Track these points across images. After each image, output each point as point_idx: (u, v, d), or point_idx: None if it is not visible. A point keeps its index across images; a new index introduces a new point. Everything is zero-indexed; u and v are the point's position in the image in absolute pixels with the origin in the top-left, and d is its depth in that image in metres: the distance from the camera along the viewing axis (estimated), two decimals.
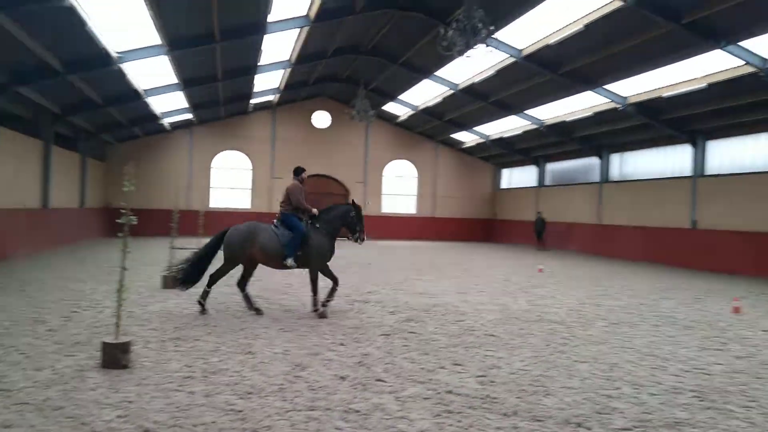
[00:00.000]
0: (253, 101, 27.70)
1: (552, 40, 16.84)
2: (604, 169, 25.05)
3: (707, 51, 14.71)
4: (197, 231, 17.36)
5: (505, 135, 28.08)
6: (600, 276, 16.03)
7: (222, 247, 8.90)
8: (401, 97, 27.66)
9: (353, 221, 9.18)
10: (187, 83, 20.27)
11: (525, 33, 17.59)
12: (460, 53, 15.28)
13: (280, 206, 9.25)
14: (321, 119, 31.83)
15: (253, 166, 30.78)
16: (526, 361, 6.53)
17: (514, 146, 29.54)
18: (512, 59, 18.80)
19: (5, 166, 15.89)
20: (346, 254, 20.80)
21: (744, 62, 14.61)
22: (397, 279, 13.76)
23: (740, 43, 14.19)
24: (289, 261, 8.68)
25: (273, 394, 5.12)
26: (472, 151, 33.24)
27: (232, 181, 30.60)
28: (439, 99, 25.44)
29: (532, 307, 10.25)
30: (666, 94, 17.91)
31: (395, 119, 31.70)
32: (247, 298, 8.88)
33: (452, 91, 23.79)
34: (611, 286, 13.62)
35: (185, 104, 23.84)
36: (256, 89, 25.13)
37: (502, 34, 17.81)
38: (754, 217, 17.39)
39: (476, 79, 21.88)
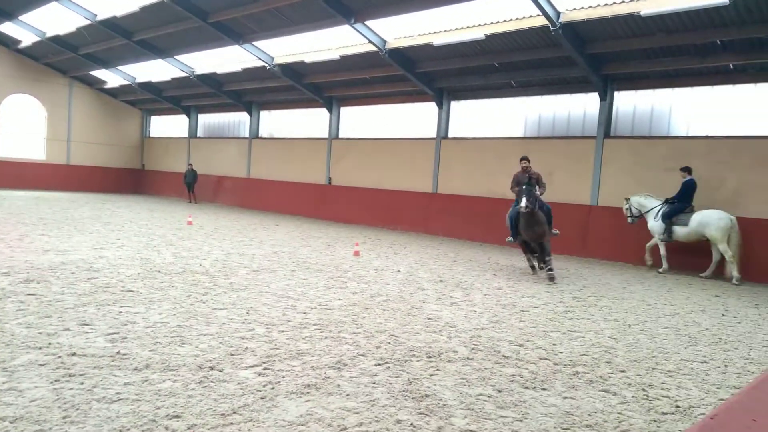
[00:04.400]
0: None
1: None
2: (254, 124, 25.96)
3: (340, 25, 16.45)
4: None
5: (154, 80, 26.31)
6: (247, 228, 16.76)
7: None
8: (23, 18, 23.06)
9: None
10: None
11: None
12: None
13: None
14: None
15: None
16: (165, 313, 6.42)
17: (164, 93, 27.98)
18: None
19: None
20: None
21: (367, 41, 16.89)
22: (15, 235, 11.71)
23: (366, 23, 16.32)
24: None
25: None
26: (116, 93, 30.19)
27: None
28: (72, 28, 22.10)
29: (176, 260, 10.08)
30: (308, 59, 19.45)
31: (15, 44, 26.32)
32: None
33: (89, 22, 20.97)
34: (256, 237, 14.40)
35: None
36: None
37: None
38: (373, 176, 20.61)
39: (118, 13, 19.77)
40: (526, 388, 4.81)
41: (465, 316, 7.25)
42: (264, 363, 5.00)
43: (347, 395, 4.40)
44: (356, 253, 12.14)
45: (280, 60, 20.44)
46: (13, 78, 27.39)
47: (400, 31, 16.60)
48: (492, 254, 14.37)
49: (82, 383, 4.26)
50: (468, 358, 5.51)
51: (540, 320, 7.28)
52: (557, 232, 10.99)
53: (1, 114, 27.28)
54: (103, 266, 8.94)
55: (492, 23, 14.70)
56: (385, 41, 16.98)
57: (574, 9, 13.08)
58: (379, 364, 5.16)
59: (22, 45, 26.12)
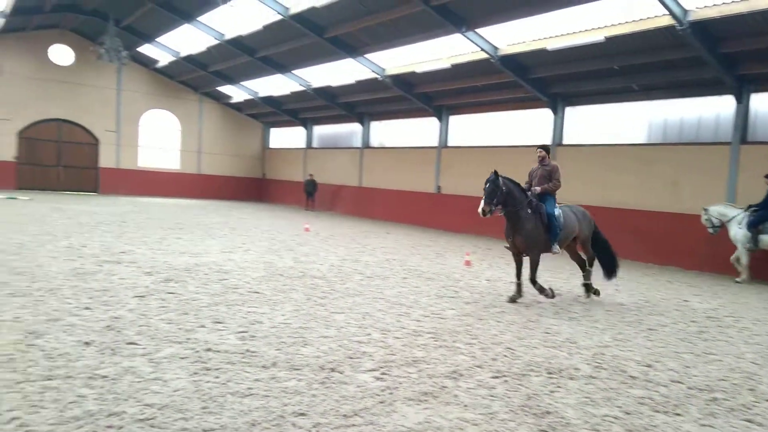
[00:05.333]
0: None
1: (319, 3, 17.11)
2: (366, 135, 26.64)
3: (452, 34, 16.47)
4: None
5: (274, 94, 27.89)
6: (360, 235, 17.21)
7: None
8: (160, 40, 25.43)
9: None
10: None
11: None
12: (224, 1, 14.67)
13: None
14: (61, 55, 27.59)
15: None
16: (288, 315, 6.76)
17: (283, 106, 29.55)
18: (280, 17, 18.64)
19: None
20: (96, 211, 18.73)
21: (479, 48, 16.74)
22: (156, 238, 12.89)
23: (477, 31, 16.22)
24: None
25: (0, 365, 4.45)
26: (240, 107, 32.32)
27: None
28: (203, 48, 24.02)
29: (296, 264, 10.57)
30: (418, 69, 19.66)
31: (153, 64, 29.07)
32: None
33: (218, 41, 22.67)
34: (368, 244, 14.74)
35: None
36: None
37: None
38: (479, 185, 20.31)
39: (243, 32, 21.19)
40: (657, 411, 4.50)
41: (586, 332, 6.93)
42: (381, 368, 5.10)
43: (465, 406, 4.37)
44: (467, 263, 12.04)
45: (391, 71, 20.84)
46: (151, 95, 30.25)
47: (512, 37, 16.32)
48: None
49: (217, 377, 4.59)
50: (591, 376, 5.26)
51: (670, 340, 6.79)
52: (558, 250, 8.50)
53: (141, 128, 30.19)
54: (232, 268, 9.58)
55: (612, 25, 14.03)
56: (497, 48, 16.76)
57: (705, 6, 12.13)
58: (496, 377, 5.07)
59: (159, 65, 28.80)
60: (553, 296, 8.45)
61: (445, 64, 18.48)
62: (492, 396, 4.60)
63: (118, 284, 7.75)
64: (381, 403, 4.31)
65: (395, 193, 24.28)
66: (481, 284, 9.92)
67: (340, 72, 22.75)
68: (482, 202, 8.10)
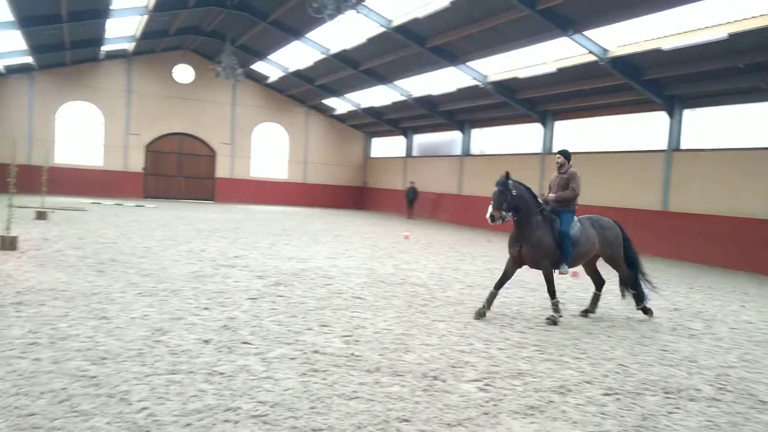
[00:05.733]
0: (104, 48, 25.28)
1: (421, 14, 17.28)
2: (466, 142, 26.46)
3: (557, 37, 15.99)
4: (40, 188, 15.80)
5: (376, 105, 28.48)
6: (459, 243, 17.10)
7: None
8: (271, 57, 26.85)
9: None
10: (24, 21, 17.92)
11: (395, 3, 17.89)
12: (331, 17, 15.20)
13: None
14: (183, 74, 29.95)
15: (105, 119, 28.26)
16: (390, 321, 6.85)
17: (384, 116, 30.09)
18: (382, 29, 19.05)
19: None
20: (212, 218, 20.06)
21: (587, 51, 16.10)
22: (266, 244, 13.57)
23: (585, 33, 15.61)
24: None
25: (131, 359, 4.89)
26: (343, 118, 33.32)
27: (81, 135, 27.87)
28: (310, 62, 25.05)
29: (397, 271, 10.70)
30: (521, 75, 19.24)
31: (264, 80, 30.74)
32: None
33: (324, 56, 23.55)
34: (468, 253, 14.60)
35: (23, 46, 21.13)
36: (108, 35, 22.95)
37: (373, 3, 17.98)
38: (592, 193, 19.41)
39: (348, 46, 21.86)
40: None
41: (708, 351, 6.41)
42: (485, 379, 5.02)
43: (574, 422, 4.19)
44: (574, 274, 11.54)
45: (493, 78, 20.58)
46: (262, 109, 32.00)
47: (623, 38, 15.54)
48: (737, 282, 12.49)
49: (324, 379, 4.74)
50: (714, 398, 4.86)
51: None
52: (567, 270, 7.50)
53: (253, 140, 31.99)
54: (336, 274, 9.87)
55: (736, 21, 12.95)
56: (606, 50, 16.03)
57: None
58: (607, 394, 4.82)
59: (270, 80, 30.42)
60: (556, 321, 7.31)
61: (551, 68, 17.96)
62: (603, 414, 4.38)
63: (233, 287, 8.24)
64: (485, 414, 4.24)
65: None
66: (590, 297, 9.46)
67: (440, 80, 22.81)
68: (490, 206, 7.44)
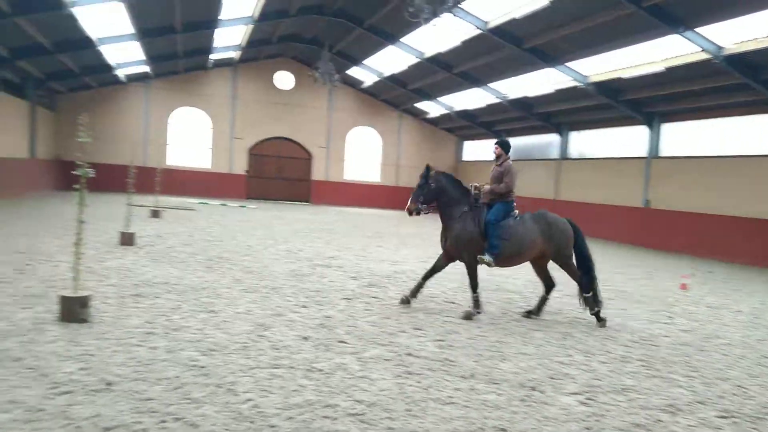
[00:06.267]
0: (213, 57, 26.89)
1: (518, 14, 16.90)
2: (563, 146, 25.57)
3: (666, 35, 15.06)
4: (154, 188, 17.05)
5: (470, 107, 28.21)
6: None
7: None
8: (366, 62, 27.35)
9: None
10: (143, 33, 19.46)
11: (492, 5, 17.61)
12: (427, 21, 15.23)
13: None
14: (283, 80, 31.22)
15: (213, 124, 30.05)
16: (484, 327, 6.74)
17: (477, 119, 29.73)
18: (478, 31, 18.83)
19: None
20: (309, 219, 20.74)
21: (700, 48, 15.04)
22: (359, 246, 13.83)
23: (697, 30, 14.59)
24: None
25: (236, 351, 5.15)
26: (436, 121, 33.30)
27: (191, 139, 29.83)
28: (404, 67, 25.25)
29: (490, 277, 10.50)
30: (626, 75, 18.30)
31: (359, 85, 31.36)
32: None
33: (418, 60, 23.66)
34: None
35: (141, 56, 22.94)
36: (216, 44, 24.39)
37: (469, 5, 17.81)
38: (703, 199, 18.14)
39: (442, 49, 21.81)
40: None
41: None
42: (586, 392, 4.81)
43: None
44: (683, 286, 10.81)
45: (594, 78, 19.73)
46: (357, 113, 32.67)
47: (740, 34, 14.36)
48: None
49: (419, 382, 4.75)
50: None
51: None
52: (489, 260, 7.05)
53: (347, 143, 32.74)
54: None
55: None
56: (720, 47, 14.89)
57: None
58: (723, 417, 4.47)
59: (365, 85, 31.00)
60: (472, 316, 7.02)
61: (658, 67, 16.97)
62: None
63: (328, 286, 8.47)
64: (587, 429, 4.07)
65: (595, 207, 22.80)
66: (701, 311, 8.84)
67: (537, 82, 22.21)
68: (409, 200, 7.31)
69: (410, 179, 33.60)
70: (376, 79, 28.83)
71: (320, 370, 4.83)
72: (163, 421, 3.68)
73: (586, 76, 19.92)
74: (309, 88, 29.75)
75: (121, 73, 25.23)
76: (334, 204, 31.49)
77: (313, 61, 26.75)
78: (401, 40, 22.56)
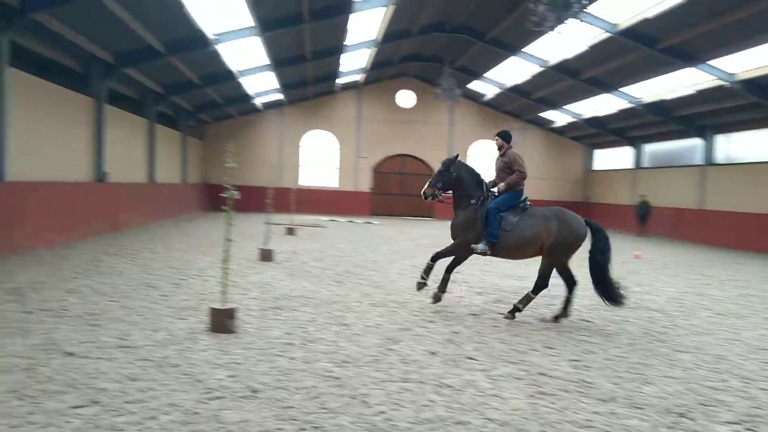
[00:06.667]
0: (339, 81, 28.15)
1: (650, 14, 15.86)
2: (708, 150, 23.41)
3: None
4: (289, 208, 18.15)
5: (599, 114, 26.84)
6: (701, 264, 15.10)
7: None
8: (487, 75, 27.10)
9: None
10: (277, 63, 20.90)
11: (621, 6, 16.68)
12: (551, 29, 14.78)
13: None
14: (405, 99, 31.87)
15: (340, 145, 31.42)
16: (623, 348, 6.33)
17: (608, 126, 28.20)
18: (607, 34, 17.90)
19: (116, 143, 17.10)
20: (432, 234, 20.87)
21: None
22: (483, 259, 13.59)
23: None
24: None
25: (368, 364, 5.30)
26: (562, 131, 32.09)
27: (320, 160, 31.42)
28: (527, 77, 24.68)
29: (629, 293, 9.84)
30: None
31: (481, 98, 31.13)
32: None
33: (541, 68, 23.00)
34: (715, 276, 12.81)
35: (276, 84, 24.64)
36: (342, 69, 25.52)
37: (595, 8, 17.00)
38: None
39: (567, 56, 21.02)
40: None
41: None
42: (745, 422, 4.35)
43: None
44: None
45: (742, 76, 17.93)
46: (478, 126, 32.40)
47: None
48: None
49: (553, 403, 4.57)
50: None
51: None
52: (485, 249, 7.20)
53: (469, 158, 32.54)
54: (558, 294, 9.42)
55: None
56: None
57: None
58: None
59: (486, 98, 30.71)
60: (437, 296, 7.45)
61: None
62: None
63: (454, 301, 8.44)
64: None
65: (750, 216, 20.53)
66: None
67: (675, 83, 20.63)
68: (426, 184, 7.50)
69: (535, 191, 32.56)
70: (498, 91, 28.46)
71: (450, 386, 4.83)
72: (303, 429, 3.88)
73: (732, 74, 18.17)
74: (430, 104, 30.12)
75: (258, 102, 27.30)
76: None
77: (434, 78, 27.02)
78: (523, 50, 22.10)
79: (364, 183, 31.62)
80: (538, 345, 6.28)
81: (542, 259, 7.52)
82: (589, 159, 33.44)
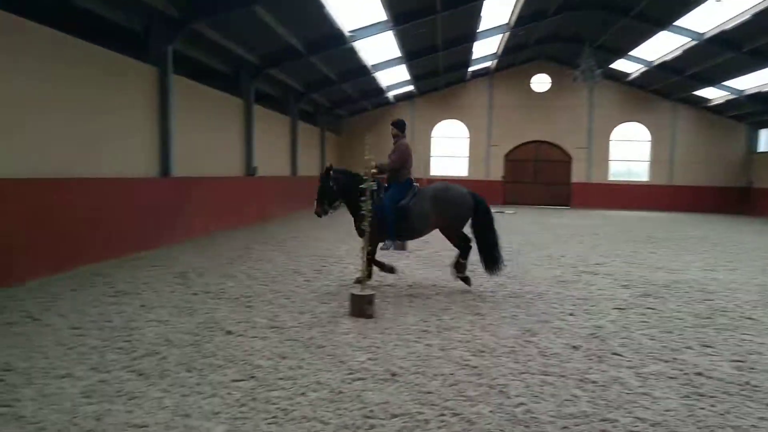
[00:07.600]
0: (470, 69, 27.80)
1: None
2: None
3: None
4: None
5: (765, 89, 23.81)
6: None
7: None
8: (632, 52, 25.17)
9: None
10: (409, 56, 21.12)
11: None
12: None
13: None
14: (539, 83, 30.65)
15: (470, 134, 31.09)
16: None
17: None
18: None
19: (263, 140, 18.41)
20: (569, 224, 19.99)
21: None
22: (628, 251, 12.79)
23: None
24: None
25: (505, 354, 5.23)
26: (719, 109, 28.94)
27: (450, 149, 31.35)
28: (678, 52, 22.54)
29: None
30: None
31: (624, 78, 29.02)
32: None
33: (695, 42, 20.88)
34: None
35: (407, 77, 24.94)
36: (474, 56, 25.15)
37: None
38: None
39: (726, 27, 18.86)
40: None
41: None
42: None
43: None
44: None
45: None
46: (621, 109, 30.27)
47: None
48: None
49: (713, 405, 4.20)
50: None
51: None
52: (388, 246, 8.43)
53: (611, 142, 30.59)
54: (716, 289, 8.62)
55: None
56: None
57: None
58: None
59: (630, 77, 28.56)
60: (362, 279, 6.72)
61: None
62: None
63: (597, 294, 8.02)
64: None
65: None
66: None
67: None
68: (315, 203, 7.69)
69: (686, 176, 29.88)
70: (644, 69, 26.33)
71: (594, 382, 4.61)
72: (442, 415, 3.95)
73: None
74: (566, 87, 28.71)
75: (390, 95, 27.86)
76: (596, 207, 29.68)
77: (571, 60, 25.74)
78: (674, 23, 20.22)
79: (496, 171, 30.99)
80: (693, 343, 5.78)
81: (445, 236, 8.03)
82: (754, 139, 29.85)
